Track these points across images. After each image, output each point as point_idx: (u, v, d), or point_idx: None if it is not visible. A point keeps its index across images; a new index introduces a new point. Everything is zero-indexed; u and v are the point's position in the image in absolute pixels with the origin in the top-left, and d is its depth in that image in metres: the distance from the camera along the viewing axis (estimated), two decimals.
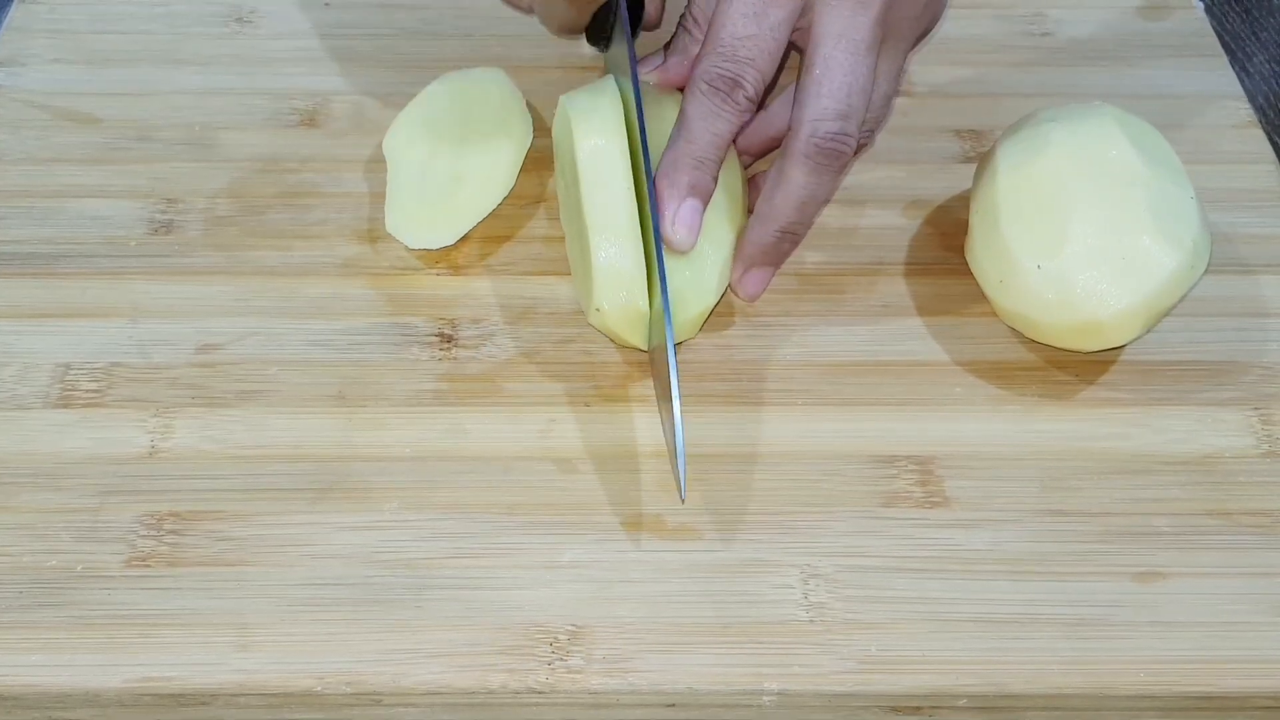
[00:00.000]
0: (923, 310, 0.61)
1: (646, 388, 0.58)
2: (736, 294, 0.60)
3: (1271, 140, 0.69)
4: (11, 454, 0.55)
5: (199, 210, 0.64)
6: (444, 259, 0.62)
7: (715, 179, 0.56)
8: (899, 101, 0.70)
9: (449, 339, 0.59)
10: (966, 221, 0.61)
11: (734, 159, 0.60)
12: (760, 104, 0.57)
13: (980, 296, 0.60)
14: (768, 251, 0.58)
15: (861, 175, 0.66)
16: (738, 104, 0.55)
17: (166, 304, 0.60)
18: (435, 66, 0.71)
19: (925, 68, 0.72)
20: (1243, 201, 0.65)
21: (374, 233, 0.63)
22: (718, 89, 0.55)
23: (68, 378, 0.57)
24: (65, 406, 0.56)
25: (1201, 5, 0.76)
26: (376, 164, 0.65)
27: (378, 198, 0.64)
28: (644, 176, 0.56)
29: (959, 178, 0.66)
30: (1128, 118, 0.59)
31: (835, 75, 0.55)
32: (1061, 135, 0.58)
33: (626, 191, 0.56)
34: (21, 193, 0.65)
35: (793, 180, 0.56)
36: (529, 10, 0.64)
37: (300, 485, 0.54)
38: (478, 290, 0.61)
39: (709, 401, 0.57)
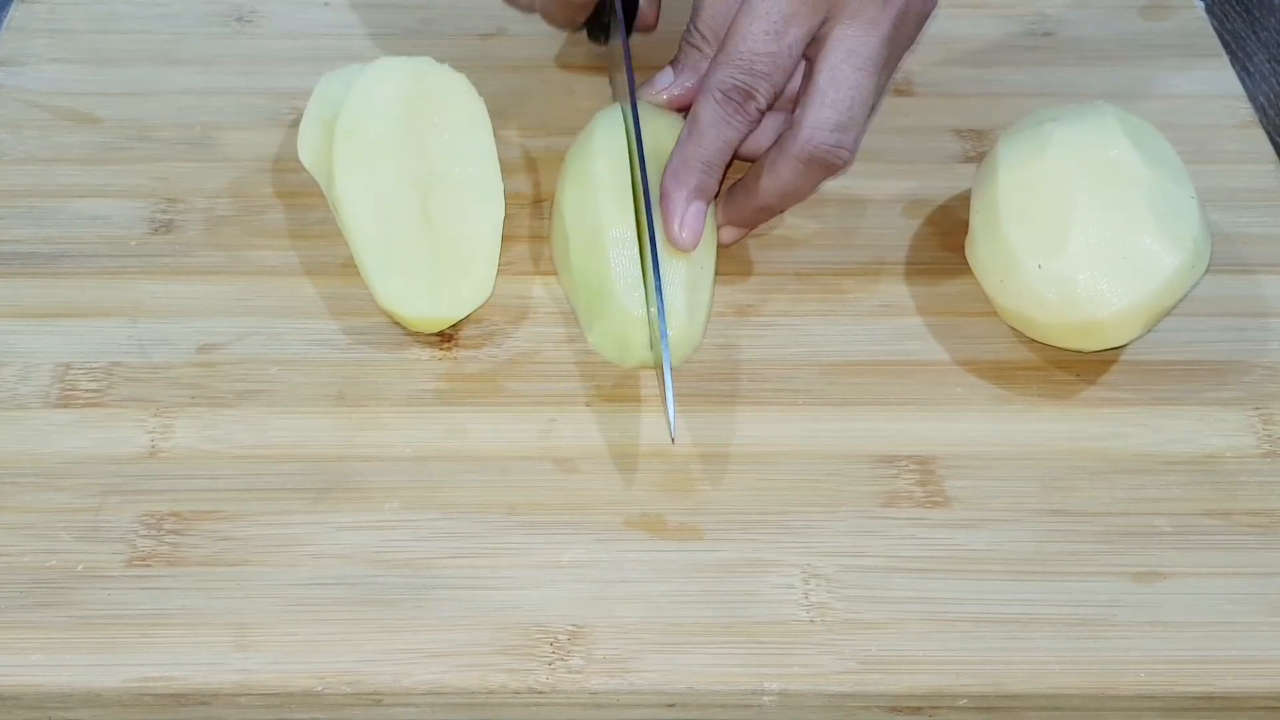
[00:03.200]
0: (923, 310, 0.61)
1: (647, 387, 0.58)
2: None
3: (1272, 140, 0.69)
4: (11, 453, 0.55)
5: (199, 210, 0.64)
6: None
7: (720, 183, 0.58)
8: (900, 102, 0.70)
9: (449, 339, 0.59)
10: (967, 221, 0.61)
11: None
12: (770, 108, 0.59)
13: (981, 296, 0.60)
14: (745, 220, 0.61)
15: (862, 175, 0.66)
16: (748, 114, 0.57)
17: (167, 304, 0.60)
18: None
19: (926, 67, 0.72)
20: (1243, 201, 0.65)
21: None
22: (732, 99, 0.56)
23: (68, 377, 0.57)
24: (65, 406, 0.56)
25: (1202, 5, 0.76)
26: None
27: None
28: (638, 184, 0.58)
29: (960, 177, 0.66)
30: (1128, 117, 0.59)
31: (841, 87, 0.56)
32: (1062, 135, 0.58)
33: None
34: (22, 192, 0.65)
35: (781, 175, 0.57)
36: (529, 9, 0.66)
37: (301, 485, 0.54)
38: None
39: (709, 401, 0.57)
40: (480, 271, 0.59)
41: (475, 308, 0.58)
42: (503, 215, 0.60)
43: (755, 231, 0.63)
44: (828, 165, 0.57)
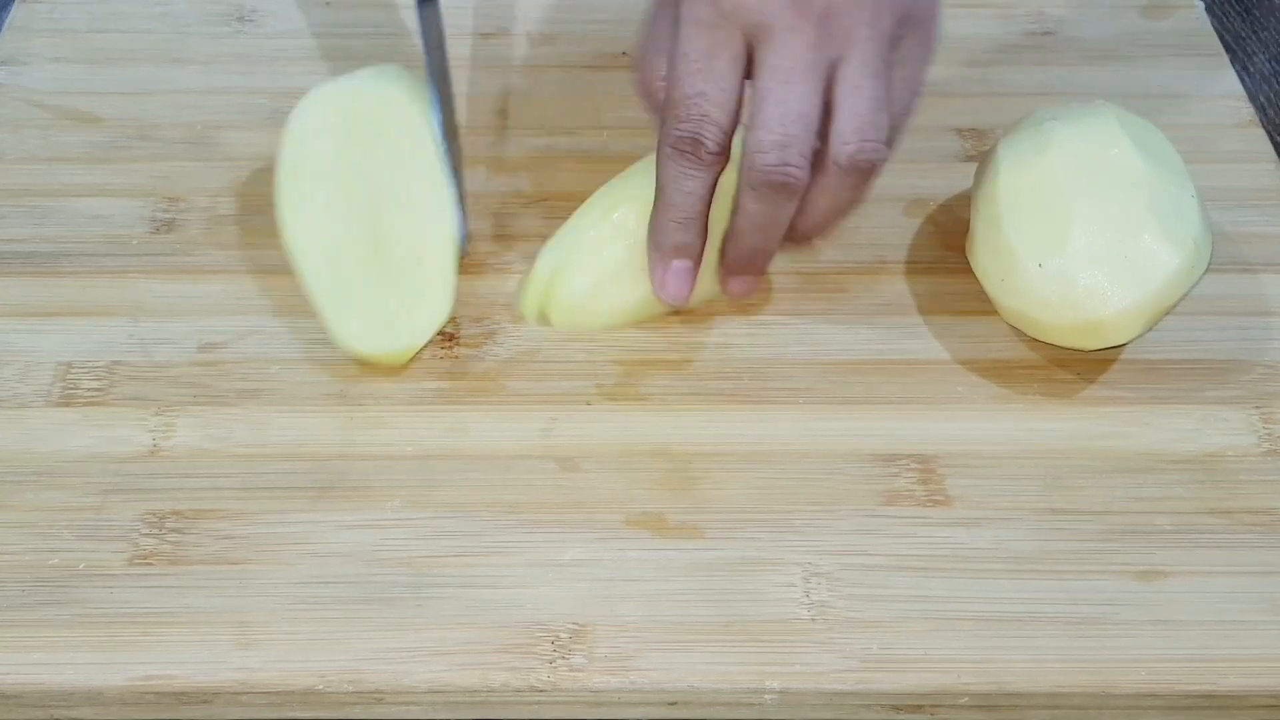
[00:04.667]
0: (924, 309, 0.61)
1: (648, 387, 0.58)
2: (726, 294, 0.60)
3: (1272, 139, 0.69)
4: (13, 452, 0.55)
5: (200, 209, 0.64)
6: None
7: (700, 234, 0.57)
8: None
9: (450, 338, 0.59)
10: (968, 220, 0.61)
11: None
12: (728, 145, 0.55)
13: (981, 295, 0.60)
14: (741, 264, 0.58)
15: None
16: (703, 160, 0.55)
17: (168, 303, 0.60)
18: None
19: None
20: (1244, 200, 0.65)
21: None
22: (682, 151, 0.55)
23: (69, 376, 0.57)
24: (67, 405, 0.56)
25: (1202, 4, 0.76)
26: None
27: None
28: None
29: (960, 176, 0.66)
30: (1129, 117, 0.60)
31: (767, 107, 0.54)
32: (1063, 134, 0.58)
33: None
34: (23, 192, 0.65)
35: (746, 209, 0.56)
36: None
37: (302, 484, 0.54)
38: (479, 289, 0.61)
39: (710, 400, 0.57)
40: (435, 293, 0.58)
41: (436, 329, 0.58)
42: (453, 223, 0.59)
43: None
44: (781, 187, 0.54)
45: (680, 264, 0.57)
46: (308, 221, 0.59)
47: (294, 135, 0.60)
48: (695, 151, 0.55)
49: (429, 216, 0.59)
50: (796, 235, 0.58)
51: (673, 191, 0.56)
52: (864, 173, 0.55)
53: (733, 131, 0.55)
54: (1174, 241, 0.55)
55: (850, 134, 0.54)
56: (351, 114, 0.61)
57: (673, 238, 0.57)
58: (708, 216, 0.57)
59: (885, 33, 0.55)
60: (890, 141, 0.56)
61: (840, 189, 0.55)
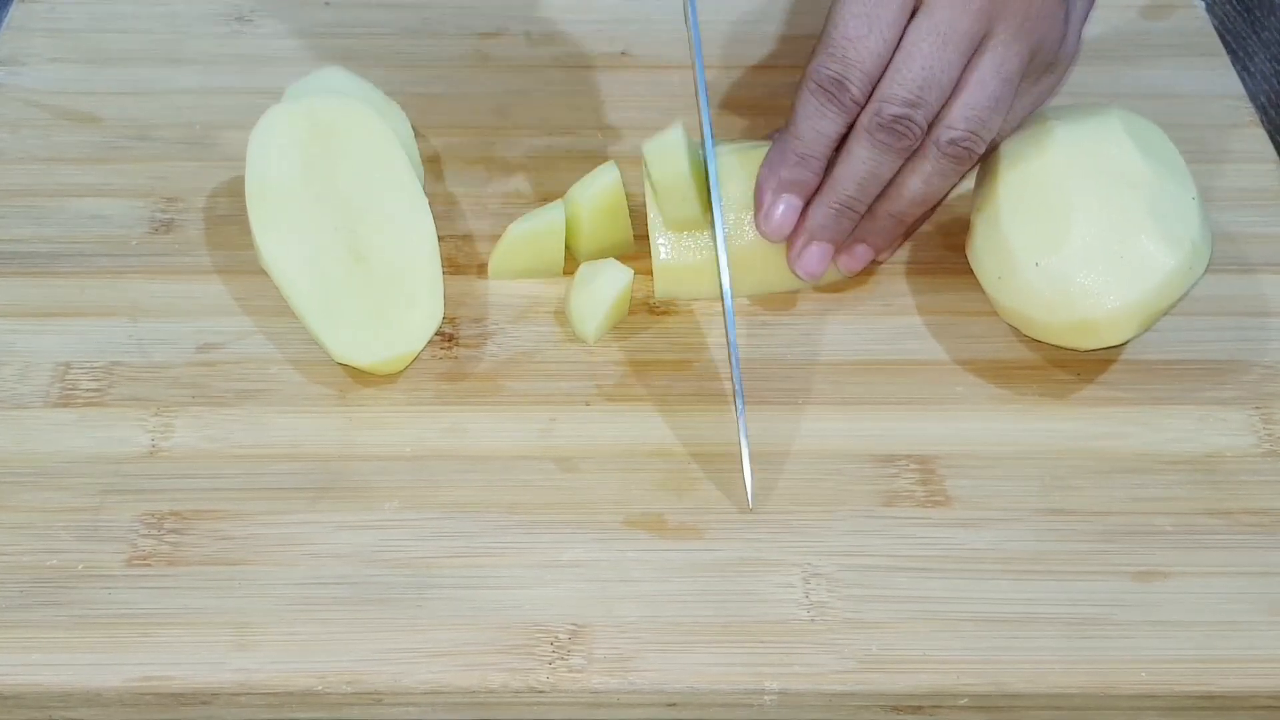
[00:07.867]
0: (924, 309, 0.61)
1: (647, 387, 0.58)
2: (795, 272, 0.59)
3: (1272, 139, 0.69)
4: (12, 453, 0.55)
5: (199, 209, 0.64)
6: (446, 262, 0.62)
7: (816, 176, 0.57)
8: None
9: (450, 338, 0.59)
10: (968, 221, 0.61)
11: None
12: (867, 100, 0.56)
13: (981, 295, 0.60)
14: (825, 226, 0.58)
15: None
16: (843, 104, 0.56)
17: (166, 303, 0.60)
18: (435, 66, 0.71)
19: None
20: (1244, 201, 0.65)
21: None
22: (825, 88, 0.56)
23: (68, 377, 0.57)
24: (65, 405, 0.56)
25: (1203, 4, 0.76)
26: None
27: None
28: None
29: None
30: (1131, 117, 0.59)
31: (914, 63, 0.55)
32: (1064, 133, 0.58)
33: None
34: (21, 192, 0.65)
35: (855, 155, 0.56)
36: None
37: (300, 484, 0.54)
38: (478, 289, 0.61)
39: (710, 401, 0.57)
40: (426, 298, 0.58)
41: (431, 335, 0.58)
42: (434, 232, 0.59)
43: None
44: (898, 137, 0.55)
45: (790, 199, 0.57)
46: (285, 245, 0.58)
47: (256, 161, 0.59)
48: (838, 94, 0.55)
49: (408, 224, 0.59)
50: (875, 224, 0.58)
51: (804, 126, 0.56)
52: (956, 160, 0.56)
53: (877, 82, 0.56)
54: (1171, 243, 0.55)
55: (960, 121, 0.56)
56: (310, 131, 0.60)
57: (791, 170, 0.57)
58: (827, 163, 0.57)
59: (1032, 44, 0.57)
60: (988, 148, 0.57)
61: (931, 172, 0.57)
